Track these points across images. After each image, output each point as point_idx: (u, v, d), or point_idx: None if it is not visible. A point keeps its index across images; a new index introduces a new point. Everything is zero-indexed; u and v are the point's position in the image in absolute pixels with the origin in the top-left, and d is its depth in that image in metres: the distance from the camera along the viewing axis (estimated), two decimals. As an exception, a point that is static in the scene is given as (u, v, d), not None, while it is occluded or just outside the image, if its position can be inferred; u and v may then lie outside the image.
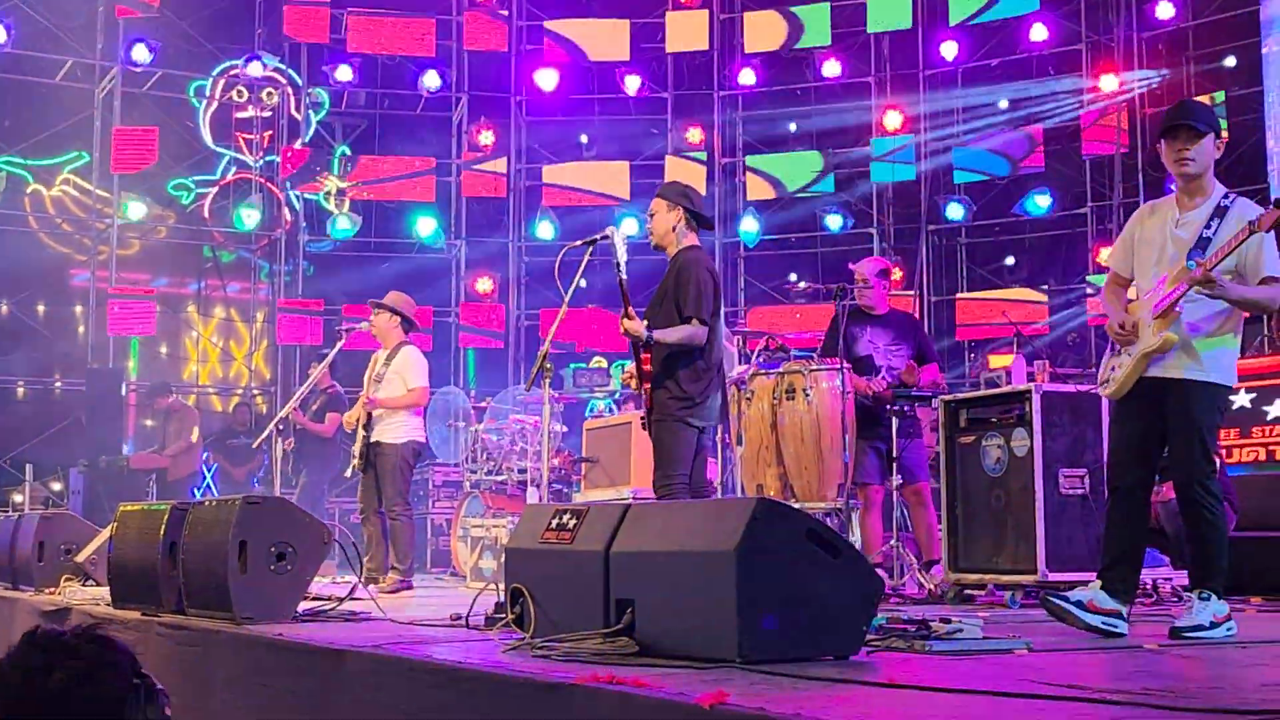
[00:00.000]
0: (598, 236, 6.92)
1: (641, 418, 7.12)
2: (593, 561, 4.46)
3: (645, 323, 6.83)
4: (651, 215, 7.15)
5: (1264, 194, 12.79)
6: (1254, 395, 9.19)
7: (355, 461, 9.49)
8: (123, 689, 2.77)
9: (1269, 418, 9.19)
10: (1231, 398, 5.60)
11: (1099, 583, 5.39)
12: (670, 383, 6.83)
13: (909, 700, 3.28)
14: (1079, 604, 5.31)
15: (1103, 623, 5.25)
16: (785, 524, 4.02)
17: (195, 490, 14.25)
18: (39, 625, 2.85)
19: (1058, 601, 5.36)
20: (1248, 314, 5.60)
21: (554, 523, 4.82)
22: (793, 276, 17.46)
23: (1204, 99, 14.57)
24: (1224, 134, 5.60)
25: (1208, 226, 5.33)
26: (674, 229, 7.03)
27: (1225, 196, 5.42)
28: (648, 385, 6.85)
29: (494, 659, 4.26)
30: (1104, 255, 15.20)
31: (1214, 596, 5.19)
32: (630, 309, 6.78)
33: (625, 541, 4.43)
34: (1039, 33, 16.35)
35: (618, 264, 6.73)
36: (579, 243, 6.99)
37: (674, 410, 6.82)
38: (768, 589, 3.92)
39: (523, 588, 4.81)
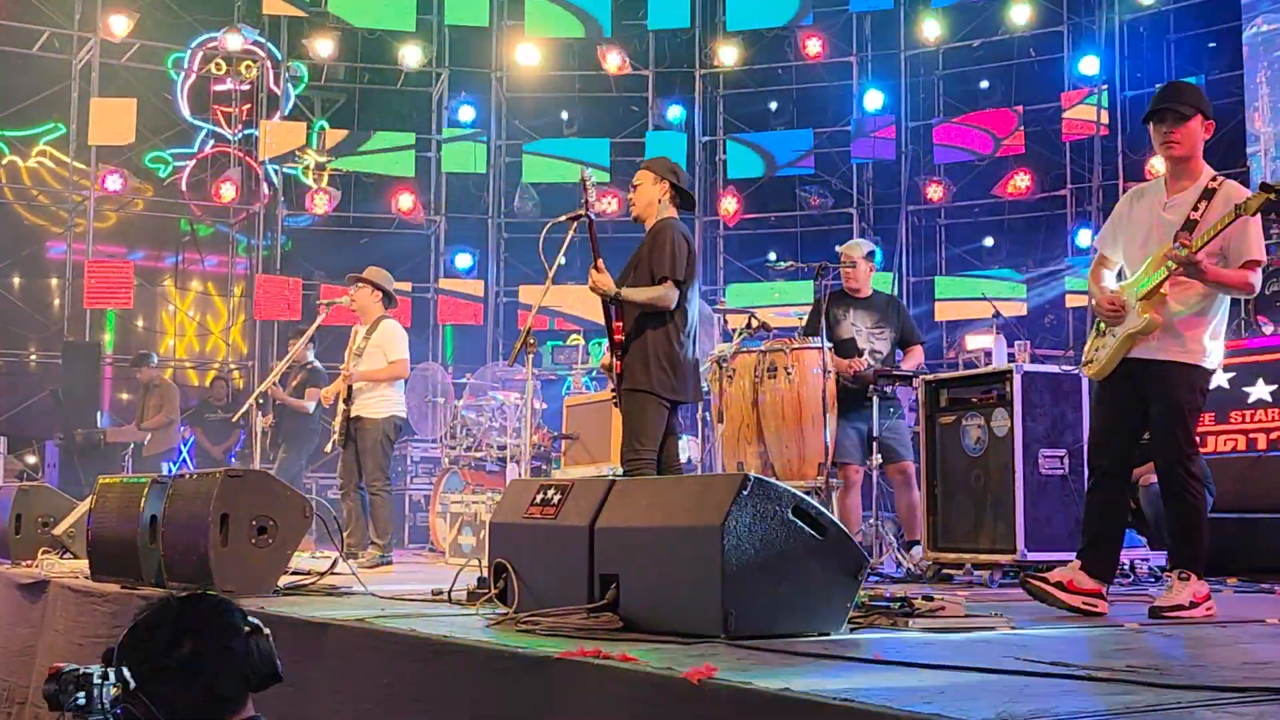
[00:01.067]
0: (580, 213, 6.89)
1: (612, 390, 7.03)
2: (577, 536, 4.46)
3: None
4: (635, 186, 7.06)
5: (1244, 176, 12.83)
6: (1231, 376, 9.19)
7: (335, 436, 9.46)
8: (240, 645, 3.16)
9: (1250, 400, 9.19)
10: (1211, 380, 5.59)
11: (1078, 563, 5.43)
12: (642, 353, 6.73)
13: (894, 676, 3.29)
14: (1059, 585, 5.34)
15: (1083, 603, 5.29)
16: (771, 501, 4.02)
17: (172, 465, 14.19)
18: (162, 599, 3.20)
19: (1038, 583, 5.38)
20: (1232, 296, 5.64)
21: (538, 497, 4.82)
22: (772, 256, 17.48)
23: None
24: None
25: (1195, 209, 5.34)
26: (659, 201, 6.97)
27: (1213, 179, 5.43)
28: (619, 354, 6.80)
29: (478, 633, 4.26)
30: (1082, 237, 15.26)
31: (1194, 576, 5.22)
32: (600, 261, 6.71)
33: (610, 517, 4.43)
34: (1020, 14, 16.36)
35: (585, 203, 6.67)
36: (563, 218, 6.96)
37: (644, 382, 6.72)
38: (753, 565, 3.92)
39: (506, 562, 4.80)
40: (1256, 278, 5.36)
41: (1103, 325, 5.57)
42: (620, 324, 6.78)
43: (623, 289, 6.74)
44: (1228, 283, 5.34)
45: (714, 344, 9.51)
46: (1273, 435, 9.01)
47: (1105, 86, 15.78)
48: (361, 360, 9.46)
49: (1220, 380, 8.88)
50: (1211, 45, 15.54)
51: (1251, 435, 9.14)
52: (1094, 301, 5.65)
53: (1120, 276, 5.71)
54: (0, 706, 7.25)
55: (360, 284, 9.69)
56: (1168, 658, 3.90)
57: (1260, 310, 10.30)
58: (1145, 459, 5.84)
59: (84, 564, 7.47)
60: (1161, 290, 5.31)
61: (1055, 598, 5.31)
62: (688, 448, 10.17)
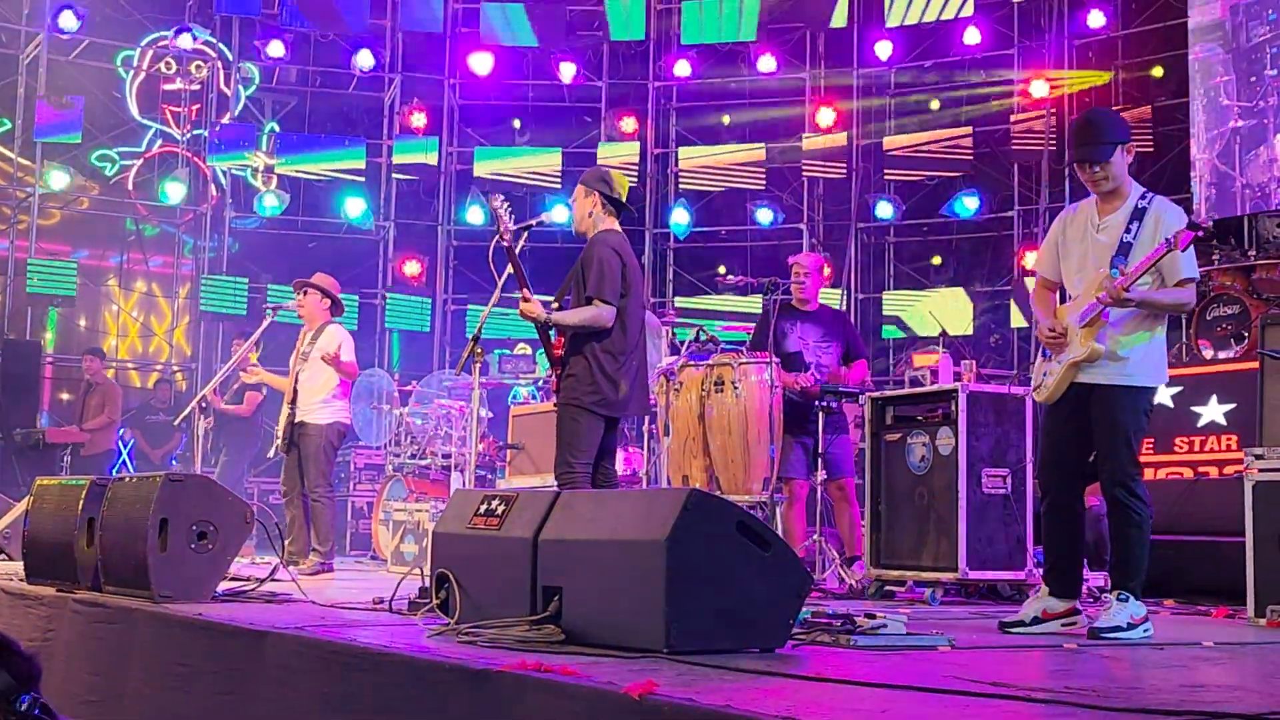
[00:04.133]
0: (532, 222, 6.88)
1: (554, 404, 7.01)
2: (521, 548, 4.45)
3: (555, 304, 6.77)
4: (571, 203, 7.08)
5: (1189, 203, 12.98)
6: (1177, 393, 8.94)
7: (278, 442, 9.39)
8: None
9: (1200, 423, 8.96)
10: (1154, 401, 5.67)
11: (1046, 589, 5.59)
12: (580, 369, 6.69)
13: (836, 694, 3.30)
14: (1036, 619, 5.47)
15: (1062, 626, 5.47)
16: (716, 515, 4.02)
17: (111, 469, 14.02)
18: None
19: (1017, 629, 5.47)
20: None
21: (483, 508, 4.80)
22: (721, 269, 17.52)
23: (1132, 110, 14.77)
24: (1132, 142, 5.66)
25: (1127, 230, 5.46)
26: (590, 215, 6.93)
27: (1142, 197, 5.55)
28: (558, 370, 6.79)
29: (418, 644, 4.24)
30: (1029, 258, 15.38)
31: (1131, 598, 5.28)
32: (527, 290, 6.66)
33: (554, 529, 4.42)
34: (972, 36, 16.49)
35: (499, 232, 6.65)
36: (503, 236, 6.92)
37: (579, 397, 6.68)
38: (697, 580, 3.92)
39: (449, 572, 4.78)
40: (1191, 294, 5.49)
41: (1049, 351, 5.65)
42: (560, 339, 6.77)
43: (554, 314, 6.72)
44: (1163, 304, 5.47)
45: (661, 357, 9.51)
46: (1228, 468, 8.51)
47: (1055, 110, 15.93)
48: (307, 365, 9.39)
49: (1163, 397, 8.69)
50: (1159, 74, 15.72)
51: (1201, 468, 8.89)
52: (1037, 330, 5.73)
53: (1063, 295, 5.79)
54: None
55: (308, 289, 9.63)
56: (1106, 679, 3.93)
57: (1201, 335, 10.41)
58: (1091, 479, 5.92)
59: (19, 566, 7.37)
60: (1102, 317, 5.40)
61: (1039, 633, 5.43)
62: (635, 461, 10.18)
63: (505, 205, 6.76)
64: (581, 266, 6.79)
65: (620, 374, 6.73)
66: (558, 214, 15.37)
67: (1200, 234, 5.27)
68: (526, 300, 6.65)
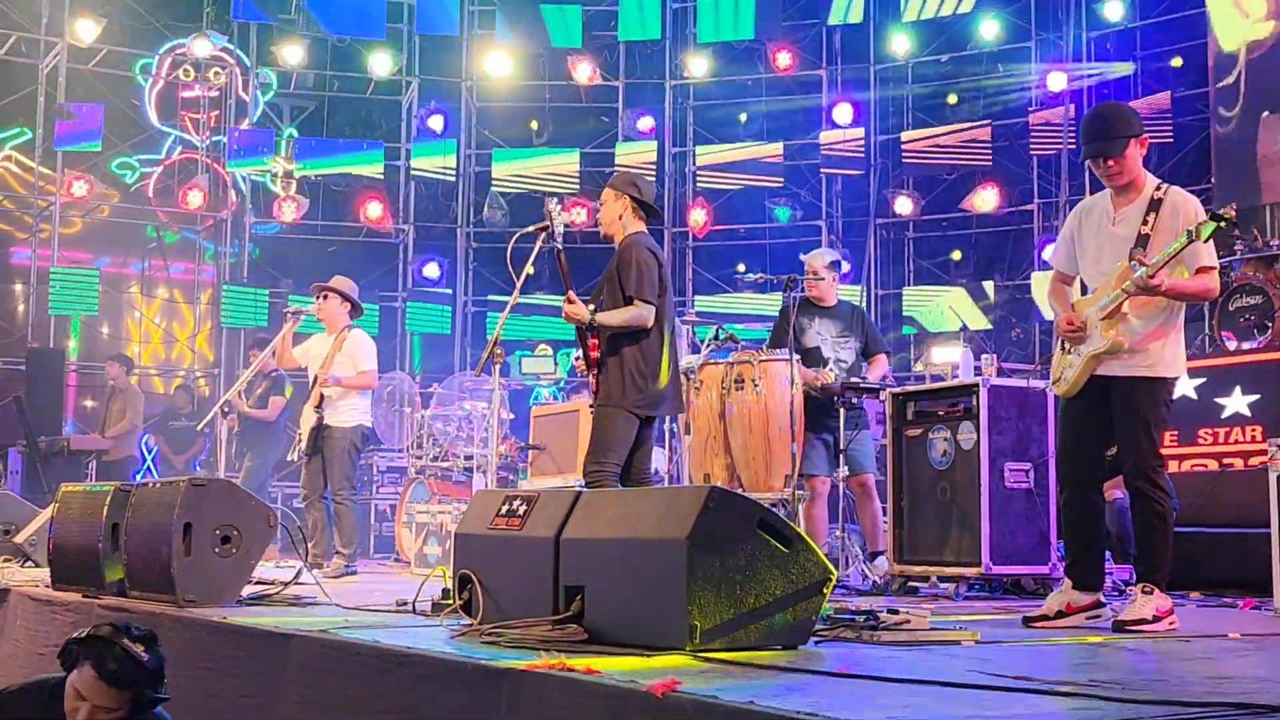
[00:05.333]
0: (546, 223, 6.88)
1: (590, 405, 7.06)
2: (543, 548, 4.45)
3: (591, 306, 6.80)
4: (600, 205, 7.11)
5: (1209, 193, 12.92)
6: (1201, 384, 8.84)
7: (302, 445, 9.42)
8: None
9: (1224, 415, 8.86)
10: (1175, 394, 5.65)
11: (1069, 582, 5.58)
12: (617, 369, 6.76)
13: (859, 690, 3.29)
14: (1060, 614, 5.47)
15: (1086, 618, 5.47)
16: (737, 513, 4.02)
17: (135, 474, 14.08)
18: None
19: (1040, 623, 5.48)
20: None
21: (504, 509, 4.80)
22: (741, 267, 17.51)
23: (1150, 100, 14.71)
24: (1144, 135, 5.64)
25: (1144, 222, 5.44)
26: (620, 218, 6.99)
27: (1158, 188, 5.53)
28: (595, 371, 6.82)
29: (442, 644, 4.24)
30: (1049, 251, 15.32)
31: (1156, 590, 5.26)
32: (572, 292, 6.72)
33: (576, 528, 4.42)
34: (989, 30, 16.45)
35: (550, 233, 6.66)
36: (531, 228, 6.94)
37: (618, 397, 6.74)
38: (718, 577, 3.92)
39: (471, 573, 4.79)
40: (1214, 280, 5.45)
41: (1067, 344, 5.62)
42: (596, 341, 6.80)
43: (598, 315, 6.75)
44: (1188, 293, 5.45)
45: (682, 355, 9.52)
46: (1253, 460, 8.52)
47: (1073, 103, 15.87)
48: (330, 367, 9.43)
49: (1186, 389, 8.64)
50: (1178, 64, 15.65)
51: (1226, 459, 8.79)
52: (1055, 322, 5.72)
53: (1083, 289, 5.78)
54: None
55: (328, 294, 9.65)
56: (1131, 672, 3.91)
57: (1224, 325, 10.36)
58: (1113, 473, 5.92)
59: (45, 573, 7.40)
60: (1122, 309, 5.38)
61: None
62: (656, 459, 10.17)
63: (558, 207, 6.78)
64: (617, 268, 6.84)
65: (656, 373, 6.81)
66: (575, 214, 15.47)
67: (1224, 226, 5.25)
68: (571, 303, 6.70)
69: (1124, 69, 15.84)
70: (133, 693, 4.22)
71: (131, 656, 4.21)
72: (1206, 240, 5.25)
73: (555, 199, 7.09)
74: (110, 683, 4.16)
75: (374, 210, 17.44)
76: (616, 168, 16.84)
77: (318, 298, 9.71)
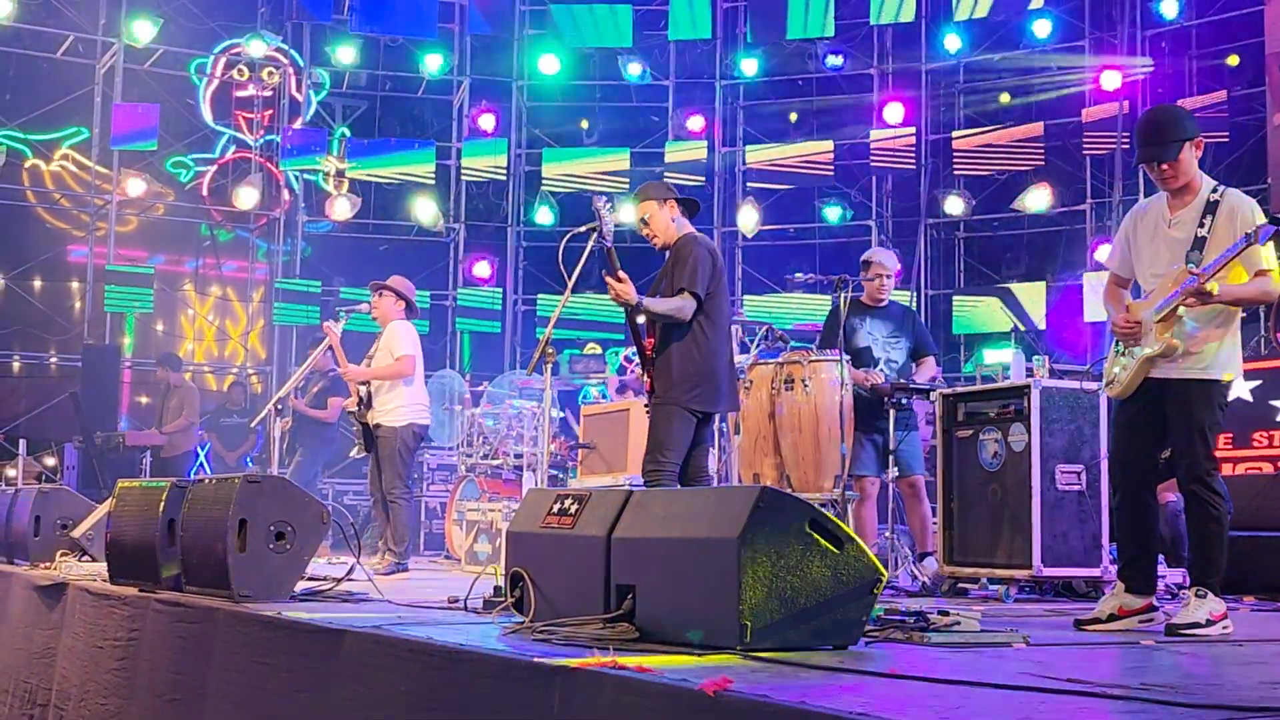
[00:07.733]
0: (594, 226, 6.87)
1: (645, 405, 7.08)
2: (594, 546, 4.47)
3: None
4: (647, 220, 7.03)
5: (1265, 194, 12.79)
6: (1257, 386, 8.74)
7: (357, 444, 9.50)
8: None
9: (1278, 418, 8.76)
10: (1229, 397, 5.60)
11: (1121, 585, 5.55)
12: (672, 366, 6.79)
13: (911, 691, 3.29)
14: (1112, 617, 5.44)
15: (1140, 623, 5.44)
16: (788, 513, 4.02)
17: (189, 471, 14.21)
18: None
19: (1092, 627, 5.44)
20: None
21: (555, 507, 4.82)
22: (796, 273, 17.48)
23: (1205, 99, 14.58)
24: (1200, 137, 5.59)
25: (1200, 225, 5.40)
26: (673, 221, 7.05)
27: (1214, 190, 5.48)
28: (651, 370, 6.85)
29: (494, 642, 4.27)
30: (1102, 252, 15.22)
31: (1210, 594, 5.22)
32: (620, 272, 6.66)
33: (627, 527, 4.44)
34: (1042, 28, 16.36)
35: (600, 232, 6.65)
36: (583, 228, 6.95)
37: (674, 394, 6.77)
38: (769, 577, 3.93)
39: (523, 571, 4.81)
40: (1272, 283, 5.38)
41: (1121, 345, 5.59)
42: (651, 338, 6.83)
43: (644, 299, 6.76)
44: (1246, 299, 5.41)
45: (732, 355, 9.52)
46: None
47: (1127, 102, 15.76)
48: (372, 362, 9.51)
49: (1241, 391, 8.56)
50: (1234, 63, 15.50)
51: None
52: (1111, 322, 5.68)
53: (1135, 290, 5.74)
54: (23, 709, 7.27)
55: (383, 291, 9.72)
56: (1184, 676, 3.89)
57: (1279, 327, 10.26)
58: (1167, 475, 5.88)
59: (102, 567, 7.49)
60: (1178, 312, 5.34)
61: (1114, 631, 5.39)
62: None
63: (608, 205, 6.80)
64: (673, 265, 6.90)
65: (712, 370, 6.84)
66: (625, 214, 15.49)
67: None
68: (621, 280, 6.63)
69: (1179, 68, 15.69)
70: None
71: None
72: (1265, 244, 5.21)
73: (604, 198, 7.08)
74: None
75: (425, 209, 17.42)
76: (667, 167, 16.87)
77: (374, 294, 9.78)
